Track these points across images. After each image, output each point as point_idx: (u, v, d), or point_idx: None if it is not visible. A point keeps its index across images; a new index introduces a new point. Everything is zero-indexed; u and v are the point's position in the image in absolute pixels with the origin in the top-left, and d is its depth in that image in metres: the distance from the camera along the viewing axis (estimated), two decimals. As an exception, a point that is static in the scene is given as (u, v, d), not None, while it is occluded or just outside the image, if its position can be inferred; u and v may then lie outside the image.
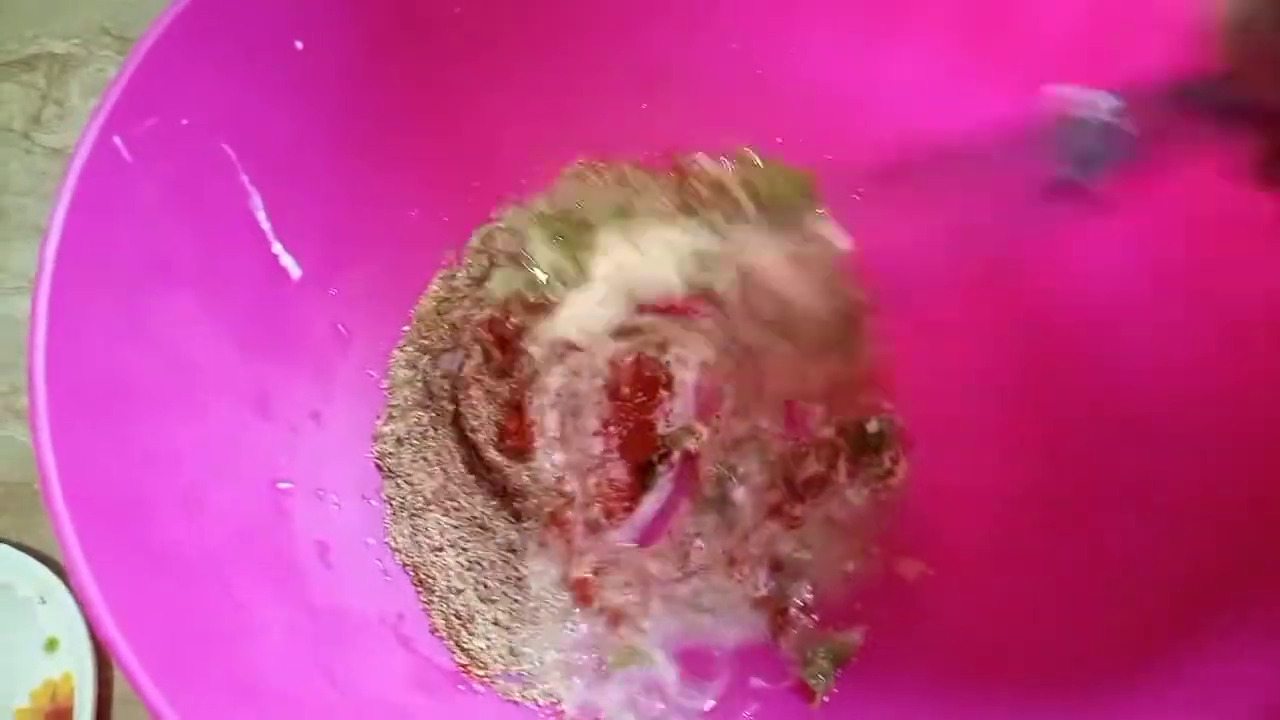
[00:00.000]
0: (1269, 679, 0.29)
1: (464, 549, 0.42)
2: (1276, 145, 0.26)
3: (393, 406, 0.44)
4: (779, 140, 0.49)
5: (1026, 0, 0.40)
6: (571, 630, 0.42)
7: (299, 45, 0.38)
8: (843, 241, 0.45)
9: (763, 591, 0.42)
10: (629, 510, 0.44)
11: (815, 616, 0.42)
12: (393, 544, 0.41)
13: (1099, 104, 0.30)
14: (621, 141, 0.49)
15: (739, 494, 0.44)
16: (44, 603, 0.42)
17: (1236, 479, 0.34)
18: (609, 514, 0.43)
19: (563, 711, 0.39)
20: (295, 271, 0.41)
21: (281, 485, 0.38)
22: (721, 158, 0.48)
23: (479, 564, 0.42)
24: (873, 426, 0.45)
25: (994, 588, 0.39)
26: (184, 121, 0.36)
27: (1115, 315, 0.41)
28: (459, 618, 0.40)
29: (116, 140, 0.33)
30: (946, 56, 0.43)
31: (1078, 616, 0.36)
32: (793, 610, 0.42)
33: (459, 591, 0.41)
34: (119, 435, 0.32)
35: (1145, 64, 0.37)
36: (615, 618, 0.42)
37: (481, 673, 0.39)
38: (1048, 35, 0.40)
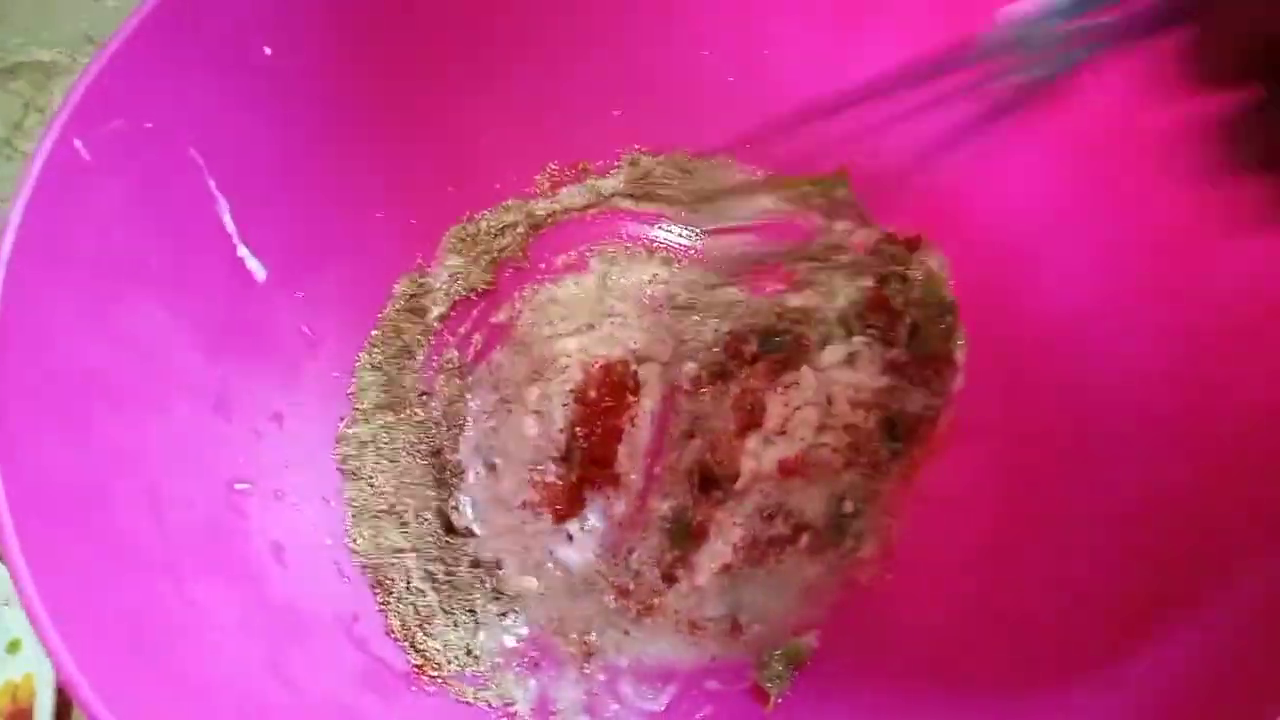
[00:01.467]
0: (1206, 684, 0.29)
1: (425, 552, 0.42)
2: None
3: (358, 410, 0.44)
4: (749, 147, 0.50)
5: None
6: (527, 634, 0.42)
7: (267, 51, 0.39)
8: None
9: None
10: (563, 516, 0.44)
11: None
12: (352, 545, 0.41)
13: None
14: (594, 146, 0.50)
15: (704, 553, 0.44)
16: (7, 604, 0.42)
17: (1188, 492, 0.35)
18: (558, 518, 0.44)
19: (515, 712, 0.39)
20: (261, 274, 0.41)
21: (239, 486, 0.38)
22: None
23: (439, 565, 0.42)
24: (848, 507, 0.44)
25: (949, 592, 0.39)
26: (148, 125, 0.36)
27: (1079, 330, 0.41)
28: (416, 619, 0.40)
29: (77, 142, 0.34)
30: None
31: (1029, 621, 0.36)
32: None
33: (419, 593, 0.41)
34: (76, 432, 0.33)
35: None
36: (586, 652, 0.42)
37: (435, 674, 0.39)
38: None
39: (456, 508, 0.43)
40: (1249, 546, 0.31)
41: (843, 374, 0.46)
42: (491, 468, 0.45)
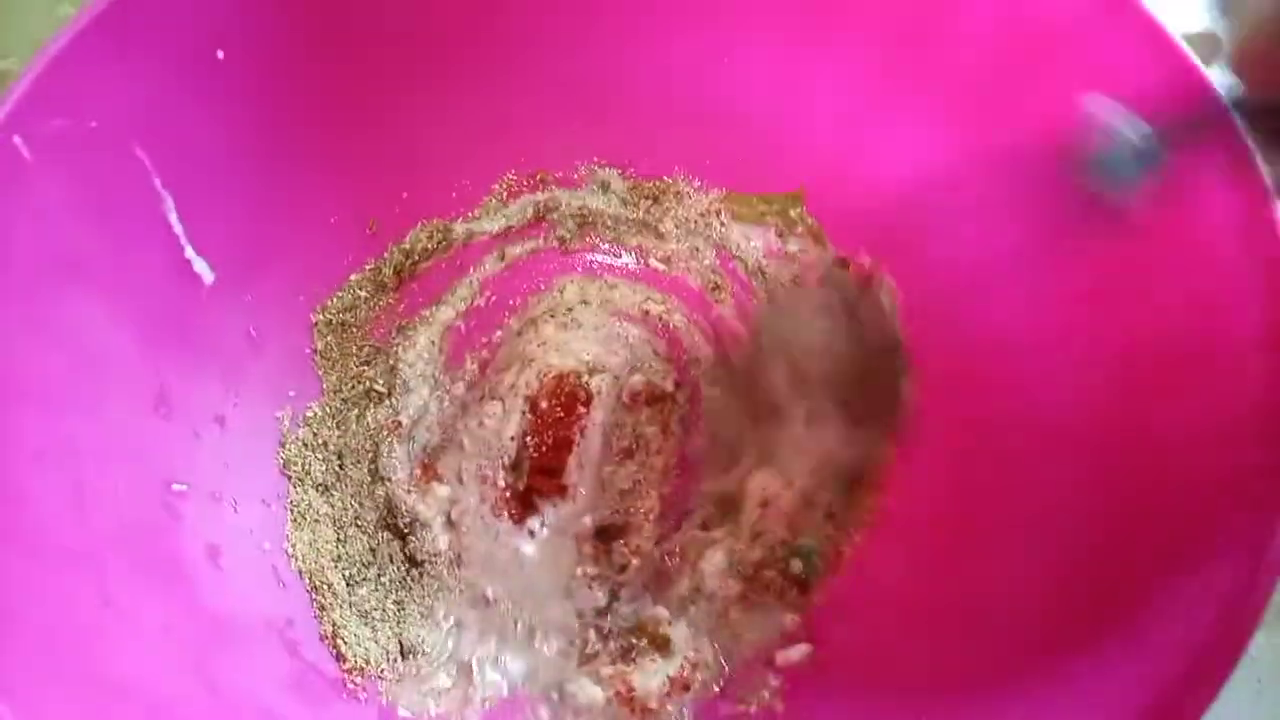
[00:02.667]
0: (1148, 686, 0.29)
1: (364, 557, 0.42)
2: None
3: (306, 415, 0.44)
4: (708, 163, 0.50)
5: (944, 25, 0.41)
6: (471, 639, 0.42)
7: (220, 55, 0.39)
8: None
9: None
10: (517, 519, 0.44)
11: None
12: (290, 550, 0.41)
13: (1131, 121, 0.32)
14: (553, 157, 0.50)
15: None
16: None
17: (1128, 501, 0.35)
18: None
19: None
20: (208, 276, 0.41)
21: (176, 487, 0.38)
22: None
23: (379, 569, 0.42)
24: (796, 567, 0.43)
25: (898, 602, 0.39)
26: (92, 124, 0.36)
27: (1020, 361, 0.41)
28: (353, 623, 0.40)
29: (16, 139, 0.34)
30: (872, 80, 0.44)
31: (977, 632, 0.37)
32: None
33: (356, 597, 0.41)
34: (5, 428, 0.33)
35: (1058, 89, 0.38)
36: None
37: (364, 679, 0.39)
38: (965, 59, 0.41)
39: (400, 510, 0.44)
40: (1173, 558, 0.32)
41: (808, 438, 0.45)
42: (435, 471, 0.45)
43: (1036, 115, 0.39)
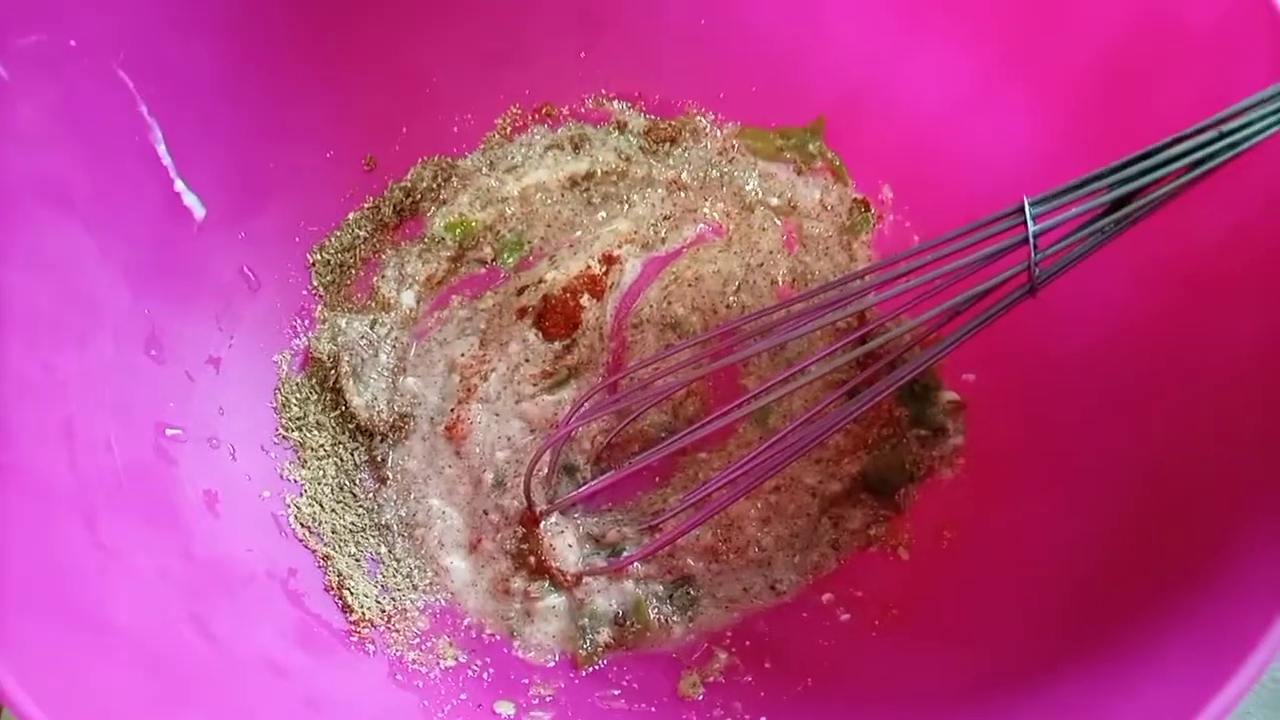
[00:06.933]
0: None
1: (362, 501, 0.41)
2: None
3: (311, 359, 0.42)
4: (721, 95, 0.48)
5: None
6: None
7: (208, -28, 0.37)
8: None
9: None
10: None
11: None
12: (290, 499, 0.39)
13: None
14: (557, 90, 0.47)
15: None
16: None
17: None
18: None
19: (451, 672, 0.37)
20: (199, 211, 0.39)
21: (170, 432, 0.36)
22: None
23: (380, 517, 0.41)
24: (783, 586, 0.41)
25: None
26: (72, 42, 0.34)
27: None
28: (355, 572, 0.38)
29: (-9, 54, 0.31)
30: (885, 7, 0.42)
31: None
32: None
33: (359, 545, 0.39)
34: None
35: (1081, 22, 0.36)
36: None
37: (370, 629, 0.37)
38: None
39: (384, 461, 0.42)
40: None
41: None
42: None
43: (1071, 31, 0.37)
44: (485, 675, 0.38)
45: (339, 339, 0.42)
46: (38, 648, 0.26)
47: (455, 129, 0.46)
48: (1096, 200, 0.29)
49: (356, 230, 0.44)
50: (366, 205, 0.45)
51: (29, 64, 0.33)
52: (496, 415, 0.43)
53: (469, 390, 0.43)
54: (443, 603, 0.40)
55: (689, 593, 0.40)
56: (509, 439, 0.43)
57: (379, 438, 0.42)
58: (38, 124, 0.33)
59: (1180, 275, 0.34)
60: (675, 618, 0.40)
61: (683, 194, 0.48)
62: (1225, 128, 0.28)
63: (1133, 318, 0.36)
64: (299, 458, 0.40)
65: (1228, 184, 0.29)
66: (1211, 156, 0.28)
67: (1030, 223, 0.29)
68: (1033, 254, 0.29)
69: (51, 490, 0.30)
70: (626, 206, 0.47)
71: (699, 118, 0.48)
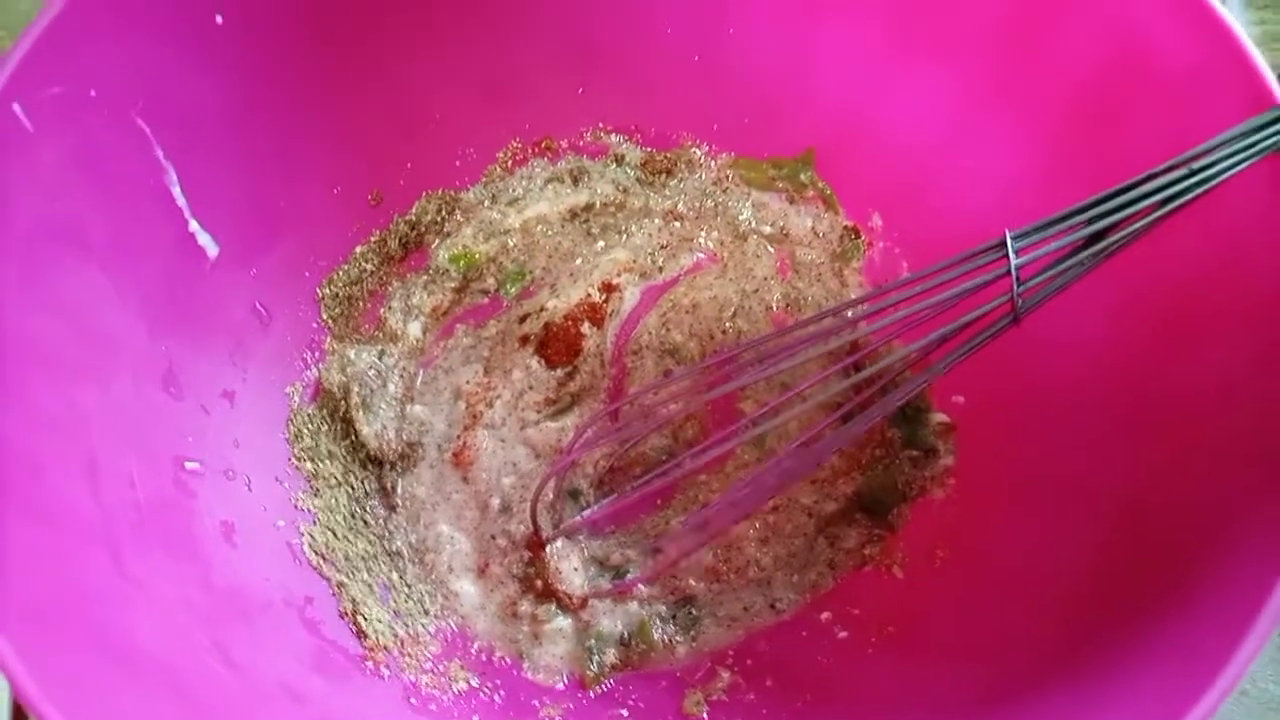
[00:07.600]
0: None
1: (374, 528, 0.42)
2: None
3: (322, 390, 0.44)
4: (715, 128, 0.49)
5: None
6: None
7: (219, 19, 0.38)
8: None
9: None
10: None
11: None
12: (304, 528, 0.40)
13: None
14: (556, 124, 0.49)
15: None
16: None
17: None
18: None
19: (464, 697, 0.39)
20: (212, 250, 0.40)
21: (189, 465, 0.37)
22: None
23: (389, 542, 0.42)
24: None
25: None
26: (92, 92, 0.35)
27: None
28: (368, 599, 0.40)
29: (16, 107, 0.33)
30: (874, 42, 0.43)
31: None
32: None
33: (372, 573, 0.41)
34: (8, 397, 0.32)
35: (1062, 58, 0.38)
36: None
37: (386, 656, 0.38)
38: (967, 25, 0.40)
39: (394, 489, 0.43)
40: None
41: None
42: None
43: (1052, 66, 0.39)
44: (497, 698, 0.39)
45: (348, 370, 0.44)
46: (74, 678, 0.27)
47: (458, 163, 0.48)
48: (1075, 235, 0.31)
49: (363, 264, 0.46)
50: (373, 239, 0.46)
51: (51, 115, 0.34)
52: (502, 441, 0.44)
53: (475, 417, 0.45)
54: (453, 627, 0.41)
55: (691, 613, 0.42)
56: (514, 465, 0.44)
57: (388, 466, 0.44)
58: (58, 171, 0.35)
59: (1158, 305, 0.36)
60: (679, 637, 0.41)
61: (679, 224, 0.49)
62: (1195, 165, 0.30)
63: (1115, 344, 0.37)
64: (312, 487, 0.41)
65: (1201, 217, 0.31)
66: (1181, 193, 0.29)
67: (1012, 256, 0.31)
68: (1015, 286, 0.31)
69: (78, 524, 0.31)
70: (625, 237, 0.49)
71: (694, 149, 0.49)
